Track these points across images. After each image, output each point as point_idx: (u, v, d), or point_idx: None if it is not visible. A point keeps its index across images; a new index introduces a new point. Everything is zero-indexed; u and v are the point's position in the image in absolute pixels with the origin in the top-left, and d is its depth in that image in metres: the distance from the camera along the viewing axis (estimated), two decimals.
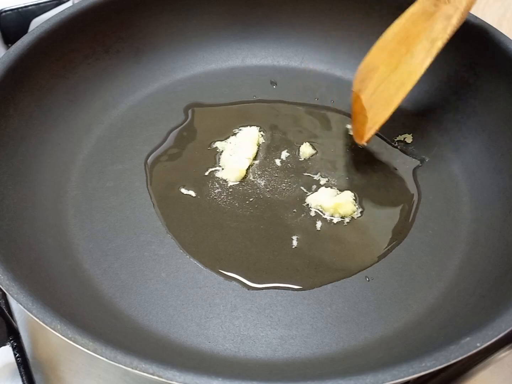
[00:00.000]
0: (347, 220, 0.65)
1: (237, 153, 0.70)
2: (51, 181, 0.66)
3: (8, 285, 0.46)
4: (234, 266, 0.61)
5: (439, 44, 0.62)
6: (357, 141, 0.69)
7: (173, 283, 0.59)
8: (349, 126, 0.76)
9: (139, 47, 0.80)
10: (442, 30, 0.61)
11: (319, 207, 0.65)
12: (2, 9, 0.90)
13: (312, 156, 0.72)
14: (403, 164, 0.72)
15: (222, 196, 0.67)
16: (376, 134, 0.72)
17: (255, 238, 0.63)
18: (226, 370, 0.52)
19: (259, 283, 0.59)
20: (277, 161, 0.71)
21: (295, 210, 0.66)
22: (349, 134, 0.75)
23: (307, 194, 0.67)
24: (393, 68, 0.66)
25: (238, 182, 0.69)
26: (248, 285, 0.59)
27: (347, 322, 0.57)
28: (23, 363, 0.57)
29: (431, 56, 0.62)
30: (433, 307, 0.58)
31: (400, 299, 0.59)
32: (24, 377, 0.56)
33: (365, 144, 0.67)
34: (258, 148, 0.72)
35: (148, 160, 0.71)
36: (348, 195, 0.66)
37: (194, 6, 0.81)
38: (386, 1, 0.78)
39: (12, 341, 0.58)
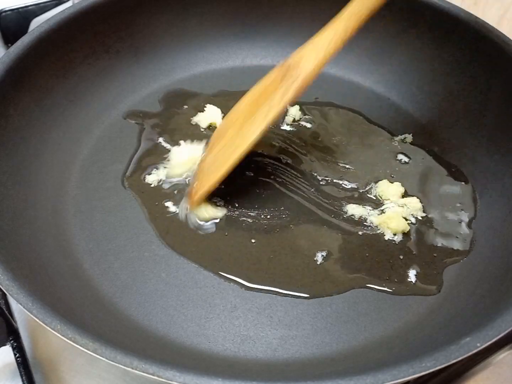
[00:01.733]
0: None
1: None
2: (51, 181, 0.66)
3: (8, 285, 0.46)
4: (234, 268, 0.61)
5: (273, 113, 0.61)
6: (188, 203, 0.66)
7: (173, 283, 0.59)
8: None
9: (139, 47, 0.80)
10: (279, 99, 0.61)
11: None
12: (2, 9, 0.90)
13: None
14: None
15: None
16: None
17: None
18: (226, 370, 0.52)
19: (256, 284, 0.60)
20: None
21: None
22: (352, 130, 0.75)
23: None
24: (235, 133, 0.64)
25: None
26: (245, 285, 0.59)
27: (347, 322, 0.57)
28: (23, 363, 0.57)
29: (265, 123, 0.61)
30: (433, 307, 0.58)
31: (400, 299, 0.59)
32: (24, 377, 0.56)
33: (192, 207, 0.65)
34: None
35: None
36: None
37: (194, 6, 0.81)
38: (387, 2, 0.78)
39: (12, 341, 0.58)
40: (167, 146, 0.73)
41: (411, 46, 0.79)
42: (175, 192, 0.67)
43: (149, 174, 0.69)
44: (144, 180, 0.69)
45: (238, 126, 0.64)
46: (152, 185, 0.68)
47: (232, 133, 0.64)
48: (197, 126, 0.76)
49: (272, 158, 0.72)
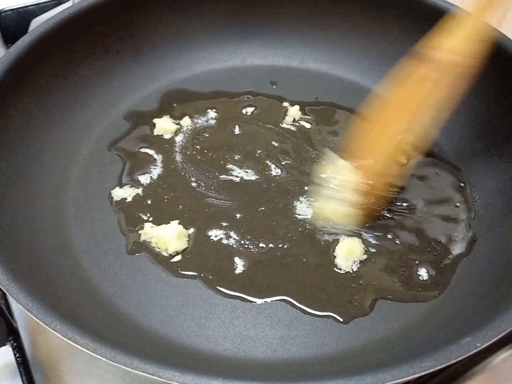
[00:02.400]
0: None
1: None
2: (51, 181, 0.66)
3: (8, 285, 0.46)
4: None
5: (432, 111, 0.59)
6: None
7: (173, 283, 0.59)
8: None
9: (139, 47, 0.80)
10: (437, 93, 0.58)
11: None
12: (2, 9, 0.90)
13: None
14: None
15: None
16: None
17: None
18: (226, 370, 0.52)
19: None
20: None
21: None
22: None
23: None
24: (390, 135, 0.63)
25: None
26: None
27: (347, 322, 0.57)
28: (23, 363, 0.57)
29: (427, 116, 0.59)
30: (433, 307, 0.58)
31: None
32: (24, 377, 0.56)
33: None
34: None
35: None
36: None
37: (194, 6, 0.81)
38: (386, 1, 0.78)
39: (12, 341, 0.58)
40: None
41: (412, 46, 0.79)
42: None
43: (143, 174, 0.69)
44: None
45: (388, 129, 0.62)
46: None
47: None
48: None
49: (272, 158, 0.72)
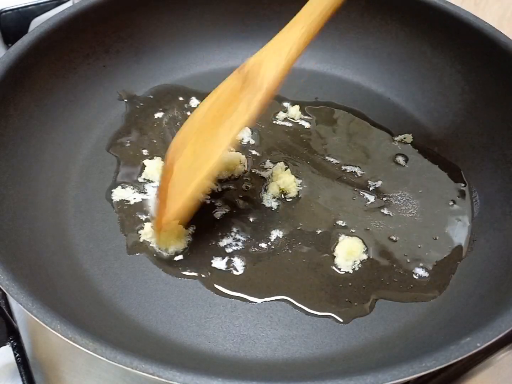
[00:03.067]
0: None
1: None
2: (51, 181, 0.66)
3: (8, 285, 0.46)
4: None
5: (236, 128, 0.55)
6: (155, 228, 0.61)
7: (173, 283, 0.59)
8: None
9: (139, 47, 0.80)
10: (243, 114, 0.55)
11: None
12: (2, 9, 0.90)
13: None
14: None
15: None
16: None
17: None
18: (226, 370, 0.52)
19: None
20: None
21: None
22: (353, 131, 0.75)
23: None
24: (195, 150, 0.58)
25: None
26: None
27: (347, 322, 0.57)
28: (23, 363, 0.57)
29: (228, 140, 0.55)
30: (433, 307, 0.58)
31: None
32: (24, 377, 0.56)
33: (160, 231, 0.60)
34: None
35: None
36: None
37: (194, 6, 0.81)
38: (386, 1, 0.78)
39: (12, 341, 0.58)
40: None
41: (411, 46, 0.79)
42: None
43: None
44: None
45: (197, 142, 0.58)
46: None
47: (191, 150, 0.58)
48: None
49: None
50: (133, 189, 0.68)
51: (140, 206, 0.66)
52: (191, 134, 0.60)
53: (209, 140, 0.57)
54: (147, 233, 0.62)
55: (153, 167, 0.69)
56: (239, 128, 0.56)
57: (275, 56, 0.55)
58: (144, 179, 0.69)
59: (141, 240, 0.62)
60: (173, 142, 0.62)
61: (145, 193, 0.67)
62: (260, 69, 0.55)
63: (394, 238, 0.64)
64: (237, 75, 0.58)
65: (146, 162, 0.70)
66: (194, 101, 0.79)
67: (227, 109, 0.57)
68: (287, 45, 0.55)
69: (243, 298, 0.58)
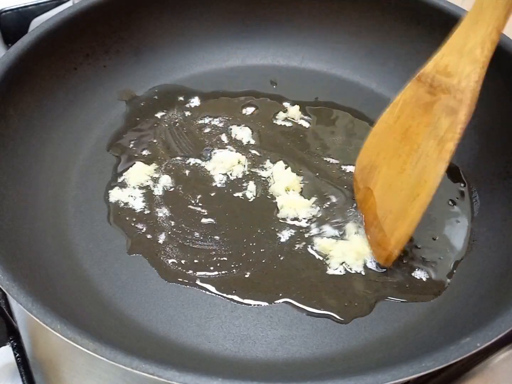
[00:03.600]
0: None
1: None
2: (51, 181, 0.66)
3: (8, 285, 0.46)
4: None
5: (451, 146, 0.51)
6: (381, 262, 0.60)
7: (173, 283, 0.59)
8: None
9: (139, 47, 0.80)
10: (450, 129, 0.51)
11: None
12: (2, 9, 0.90)
13: None
14: None
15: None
16: None
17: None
18: (226, 370, 0.52)
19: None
20: None
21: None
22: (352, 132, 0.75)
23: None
24: (399, 172, 0.56)
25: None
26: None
27: (347, 322, 0.57)
28: (23, 363, 0.57)
29: (444, 162, 0.51)
30: (433, 307, 0.58)
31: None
32: (24, 377, 0.56)
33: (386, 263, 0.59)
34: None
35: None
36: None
37: (194, 6, 0.81)
38: (386, 1, 0.78)
39: (12, 341, 0.58)
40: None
41: (411, 46, 0.79)
42: None
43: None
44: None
45: (399, 166, 0.55)
46: None
47: (393, 174, 0.56)
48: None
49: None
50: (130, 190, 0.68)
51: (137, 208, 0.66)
52: (379, 158, 0.58)
53: (413, 166, 0.54)
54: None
55: (134, 173, 0.69)
56: (452, 148, 0.51)
57: (467, 60, 0.50)
58: (124, 180, 0.68)
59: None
60: (358, 163, 0.62)
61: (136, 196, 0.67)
62: (453, 77, 0.51)
63: None
64: (417, 84, 0.54)
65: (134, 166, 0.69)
66: (194, 101, 0.79)
67: (421, 124, 0.53)
68: (477, 45, 0.49)
69: None
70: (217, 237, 0.63)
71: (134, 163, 0.70)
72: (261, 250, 0.62)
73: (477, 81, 0.50)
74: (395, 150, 0.57)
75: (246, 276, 0.60)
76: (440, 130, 0.52)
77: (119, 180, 0.69)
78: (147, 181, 0.69)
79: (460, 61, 0.51)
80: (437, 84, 0.52)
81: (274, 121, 0.77)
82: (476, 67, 0.50)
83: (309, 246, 0.62)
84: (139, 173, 0.69)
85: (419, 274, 0.61)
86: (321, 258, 0.61)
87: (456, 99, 0.51)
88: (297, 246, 0.62)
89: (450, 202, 0.68)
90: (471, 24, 0.50)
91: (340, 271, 0.60)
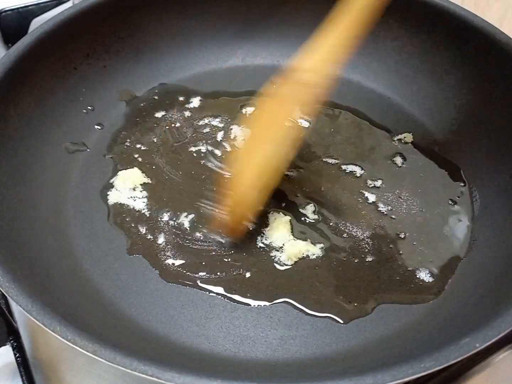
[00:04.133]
0: None
1: None
2: (51, 181, 0.66)
3: (8, 287, 0.46)
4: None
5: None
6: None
7: (173, 284, 0.59)
8: None
9: (139, 47, 0.80)
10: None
11: None
12: (2, 9, 0.90)
13: None
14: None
15: None
16: None
17: None
18: (226, 371, 0.52)
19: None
20: None
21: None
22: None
23: None
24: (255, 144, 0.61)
25: None
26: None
27: (347, 322, 0.57)
28: (23, 363, 0.57)
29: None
30: (433, 307, 0.58)
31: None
32: (24, 377, 0.56)
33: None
34: None
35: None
36: None
37: (194, 6, 0.81)
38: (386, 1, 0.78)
39: (12, 341, 0.58)
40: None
41: (411, 45, 0.79)
42: None
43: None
44: None
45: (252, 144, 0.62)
46: None
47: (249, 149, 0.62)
48: None
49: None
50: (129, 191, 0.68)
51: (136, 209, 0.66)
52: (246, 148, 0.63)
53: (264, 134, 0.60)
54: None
55: (134, 173, 0.69)
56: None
57: (322, 62, 0.59)
58: (124, 180, 0.68)
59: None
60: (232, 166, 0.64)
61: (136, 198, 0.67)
62: (310, 72, 0.59)
63: (394, 238, 0.64)
64: (282, 83, 0.60)
65: (120, 173, 0.69)
66: (194, 101, 0.79)
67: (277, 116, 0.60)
68: (331, 52, 0.60)
69: None
70: (217, 238, 0.63)
71: (133, 164, 0.70)
72: (262, 250, 0.62)
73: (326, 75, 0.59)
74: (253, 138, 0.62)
75: (246, 276, 0.60)
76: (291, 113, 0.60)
77: (119, 180, 0.69)
78: (147, 181, 0.68)
79: (319, 63, 0.60)
80: (298, 80, 0.59)
81: None
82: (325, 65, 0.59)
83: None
84: (138, 173, 0.69)
85: (419, 274, 0.60)
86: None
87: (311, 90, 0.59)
88: None
89: (450, 202, 0.67)
90: (331, 32, 0.61)
91: (340, 270, 0.60)
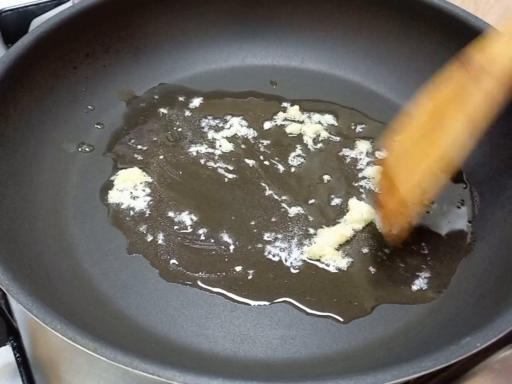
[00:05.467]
0: None
1: None
2: (51, 181, 0.66)
3: (8, 285, 0.46)
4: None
5: (476, 116, 0.51)
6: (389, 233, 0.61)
7: (173, 283, 0.59)
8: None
9: (139, 47, 0.80)
10: (478, 102, 0.51)
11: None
12: (2, 9, 0.90)
13: None
14: None
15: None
16: None
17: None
18: (226, 370, 0.52)
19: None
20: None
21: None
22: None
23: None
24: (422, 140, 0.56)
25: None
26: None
27: (347, 322, 0.57)
28: (23, 363, 0.57)
29: (466, 128, 0.52)
30: (433, 307, 0.58)
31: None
32: (24, 377, 0.56)
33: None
34: None
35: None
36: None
37: (194, 6, 0.81)
38: (385, 1, 0.78)
39: (12, 341, 0.58)
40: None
41: (411, 46, 0.79)
42: None
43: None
44: None
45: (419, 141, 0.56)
46: None
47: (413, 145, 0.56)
48: None
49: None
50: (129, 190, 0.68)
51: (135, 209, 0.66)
52: (411, 141, 0.57)
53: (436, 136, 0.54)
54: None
55: (133, 173, 0.69)
56: (477, 118, 0.51)
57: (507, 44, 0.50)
58: (124, 180, 0.68)
59: None
60: (390, 150, 0.59)
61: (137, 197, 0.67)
62: (491, 60, 0.51)
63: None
64: (457, 68, 0.54)
65: (121, 172, 0.69)
66: (194, 101, 0.79)
67: (452, 101, 0.53)
68: None
69: None
70: (217, 237, 0.63)
71: (134, 163, 0.70)
72: (261, 250, 0.62)
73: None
74: (424, 129, 0.56)
75: (247, 276, 0.60)
76: (469, 105, 0.52)
77: (119, 180, 0.69)
78: (147, 181, 0.68)
79: (503, 46, 0.51)
80: (477, 66, 0.52)
81: (274, 121, 0.77)
82: None
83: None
84: (139, 172, 0.69)
85: (419, 275, 0.61)
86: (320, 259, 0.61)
87: (493, 80, 0.51)
88: None
89: (451, 202, 0.67)
90: None
91: (340, 270, 0.60)
